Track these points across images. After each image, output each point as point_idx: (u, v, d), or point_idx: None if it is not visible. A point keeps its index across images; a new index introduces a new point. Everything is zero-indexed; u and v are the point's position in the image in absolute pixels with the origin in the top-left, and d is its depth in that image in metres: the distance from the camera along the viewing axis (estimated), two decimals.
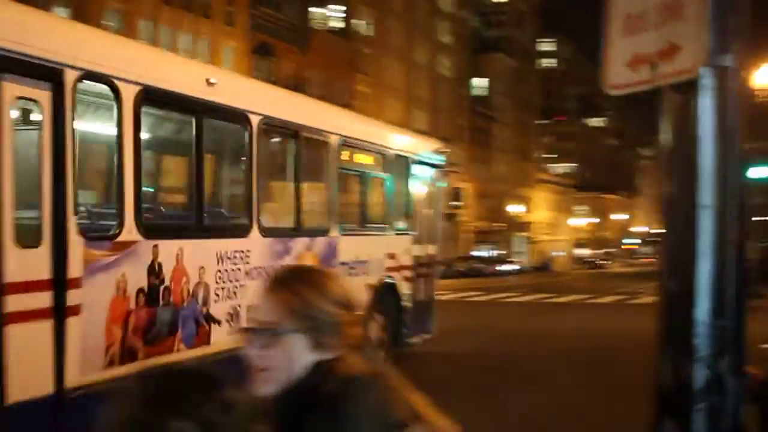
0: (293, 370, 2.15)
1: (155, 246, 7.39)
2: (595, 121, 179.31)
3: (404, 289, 12.88)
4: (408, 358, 12.03)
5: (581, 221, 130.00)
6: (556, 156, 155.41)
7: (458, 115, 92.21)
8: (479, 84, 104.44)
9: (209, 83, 8.30)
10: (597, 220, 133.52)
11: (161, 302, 7.47)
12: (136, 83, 7.25)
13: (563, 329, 19.02)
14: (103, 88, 7.05)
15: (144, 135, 7.56)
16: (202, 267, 8.03)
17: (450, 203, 18.92)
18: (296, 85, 60.10)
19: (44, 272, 6.22)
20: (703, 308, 2.70)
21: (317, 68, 63.80)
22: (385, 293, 12.09)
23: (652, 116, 3.06)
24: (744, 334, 2.64)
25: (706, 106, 2.73)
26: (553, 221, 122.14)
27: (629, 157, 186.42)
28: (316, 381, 2.12)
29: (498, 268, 73.60)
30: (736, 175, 2.75)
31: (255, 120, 8.92)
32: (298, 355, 2.17)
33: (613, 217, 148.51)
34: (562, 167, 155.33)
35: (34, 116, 6.52)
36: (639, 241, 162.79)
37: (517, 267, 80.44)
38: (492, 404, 9.76)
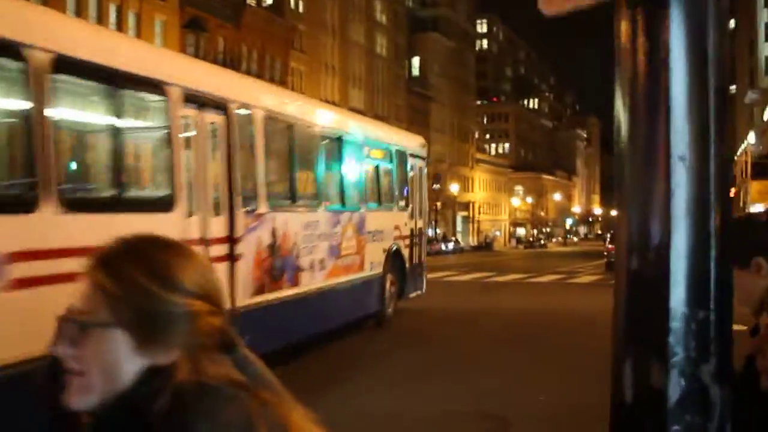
0: (114, 378, 1.48)
1: (274, 217, 10.81)
2: (532, 103, 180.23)
3: (405, 253, 16.41)
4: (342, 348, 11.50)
5: (520, 201, 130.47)
6: (493, 137, 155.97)
7: (395, 95, 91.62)
8: (416, 64, 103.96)
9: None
10: (533, 200, 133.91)
11: (277, 255, 10.83)
12: (263, 108, 10.95)
13: (504, 308, 18.55)
14: (248, 115, 10.50)
15: (265, 143, 10.89)
16: (296, 232, 11.54)
17: (432, 186, 22.32)
18: (230, 60, 58.85)
19: (223, 232, 9.52)
20: (678, 295, 1.95)
21: (251, 44, 62.52)
22: (394, 256, 15.62)
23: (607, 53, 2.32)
24: (730, 328, 1.91)
25: (675, 27, 2.00)
26: (492, 201, 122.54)
27: (566, 138, 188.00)
28: (144, 394, 1.46)
29: (439, 247, 73.32)
30: (720, 117, 2.02)
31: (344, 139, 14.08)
32: (119, 358, 1.49)
33: (554, 197, 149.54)
34: (499, 148, 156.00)
35: (217, 133, 9.70)
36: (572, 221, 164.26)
37: (458, 246, 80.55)
38: (434, 385, 9.16)
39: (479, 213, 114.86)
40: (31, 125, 6.54)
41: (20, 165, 6.84)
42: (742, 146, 74.21)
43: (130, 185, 8.15)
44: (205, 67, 11.82)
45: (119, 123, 7.74)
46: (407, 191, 17.13)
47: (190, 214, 8.76)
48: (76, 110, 7.88)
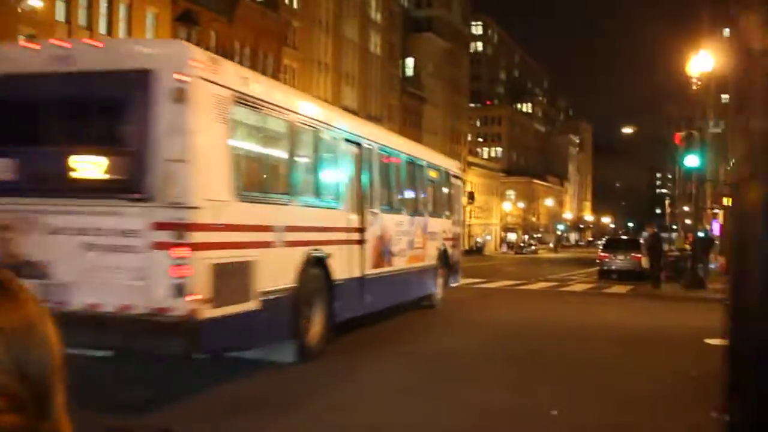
0: None
1: (382, 216, 14.59)
2: (525, 107, 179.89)
3: (450, 252, 20.24)
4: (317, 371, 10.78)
5: (511, 206, 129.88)
6: (485, 140, 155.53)
7: (389, 95, 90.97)
8: (410, 64, 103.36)
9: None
10: (525, 205, 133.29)
11: (383, 242, 14.68)
12: (378, 144, 15.01)
13: (495, 317, 17.81)
14: (369, 148, 14.35)
15: (378, 168, 14.81)
16: (391, 228, 15.26)
17: (469, 201, 29.04)
18: (222, 55, 58.06)
19: (357, 224, 13.26)
20: None
21: (244, 39, 61.73)
22: (443, 254, 19.49)
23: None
24: None
25: None
26: (483, 205, 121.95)
27: (559, 143, 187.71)
28: None
29: None
30: None
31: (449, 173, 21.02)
32: None
33: (546, 202, 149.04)
34: (492, 152, 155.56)
35: (358, 158, 13.72)
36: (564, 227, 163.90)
37: None
38: (425, 403, 8.41)
39: (470, 217, 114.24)
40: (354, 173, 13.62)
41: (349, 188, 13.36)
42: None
43: (325, 193, 12.27)
44: (352, 117, 16.88)
45: (325, 157, 12.48)
46: (450, 203, 21.20)
47: (346, 211, 12.96)
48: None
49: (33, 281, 8.01)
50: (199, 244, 8.22)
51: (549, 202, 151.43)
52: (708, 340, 13.46)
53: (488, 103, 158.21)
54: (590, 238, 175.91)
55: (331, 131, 12.59)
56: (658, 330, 15.37)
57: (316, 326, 11.17)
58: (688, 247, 40.94)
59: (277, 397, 8.64)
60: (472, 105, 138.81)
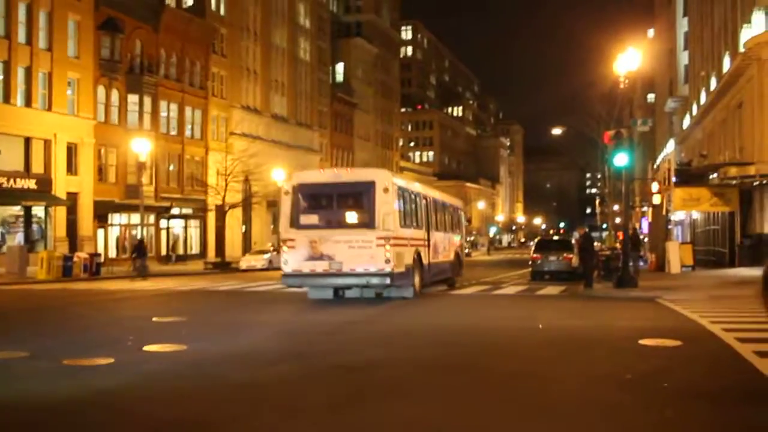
0: None
1: (434, 234, 27.63)
2: (455, 110, 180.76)
3: (460, 254, 33.04)
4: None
5: None
6: (417, 145, 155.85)
7: (319, 101, 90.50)
8: (340, 70, 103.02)
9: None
10: None
11: (435, 247, 27.41)
12: (429, 195, 28.46)
13: (424, 324, 17.51)
14: (428, 197, 28.08)
15: (432, 208, 28.19)
16: (437, 239, 27.84)
17: (467, 223, 44.53)
18: (147, 63, 56.99)
19: (427, 238, 26.48)
20: None
21: (170, 47, 60.71)
22: (456, 255, 32.03)
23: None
24: None
25: None
26: None
27: (490, 146, 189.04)
28: None
29: None
30: None
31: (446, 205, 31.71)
32: None
33: (478, 205, 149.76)
34: (424, 156, 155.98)
35: (427, 206, 27.44)
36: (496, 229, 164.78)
37: None
38: (352, 422, 8.04)
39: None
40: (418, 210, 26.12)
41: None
42: (663, 153, 75.00)
43: (418, 223, 25.78)
44: (426, 187, 30.95)
45: (419, 206, 26.13)
46: (459, 225, 34.25)
47: (427, 230, 26.54)
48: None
49: (327, 261, 21.86)
50: (392, 245, 21.85)
51: (481, 204, 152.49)
52: (642, 341, 13.36)
53: (419, 107, 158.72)
54: (522, 240, 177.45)
55: (420, 196, 26.70)
56: (592, 331, 15.25)
57: (417, 282, 24.44)
58: (618, 246, 41.37)
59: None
60: (403, 110, 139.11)
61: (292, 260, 22.42)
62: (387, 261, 21.52)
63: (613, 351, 12.61)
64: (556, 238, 53.22)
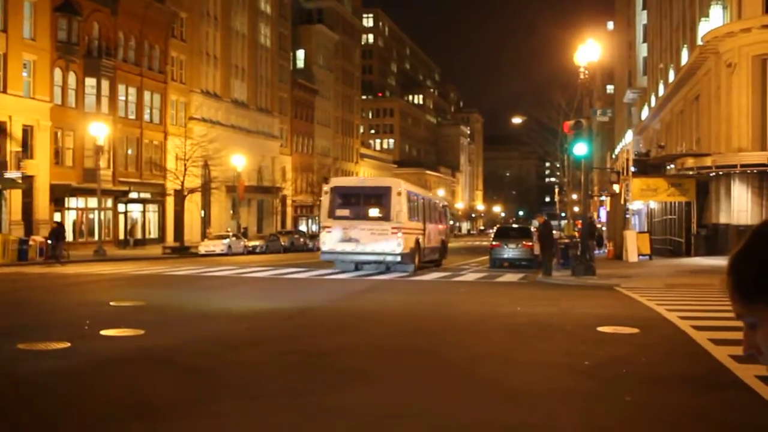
0: None
1: (429, 225, 36.21)
2: (416, 98, 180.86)
3: (445, 240, 41.34)
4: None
5: None
6: (378, 132, 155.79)
7: (279, 87, 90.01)
8: (301, 56, 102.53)
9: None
10: None
11: (428, 234, 35.73)
12: (425, 197, 38.20)
13: (384, 311, 17.52)
14: (426, 199, 38.10)
15: (428, 206, 37.82)
16: (431, 229, 36.56)
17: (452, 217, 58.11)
18: (105, 47, 56.24)
19: (423, 228, 34.90)
20: None
21: (128, 30, 59.95)
22: (442, 242, 40.23)
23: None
24: None
25: None
26: None
27: (450, 134, 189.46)
28: None
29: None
30: None
31: (425, 200, 37.38)
32: None
33: (438, 193, 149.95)
34: (384, 143, 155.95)
35: (422, 204, 36.18)
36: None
37: None
38: (311, 408, 8.00)
39: None
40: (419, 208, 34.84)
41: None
42: (621, 144, 75.67)
43: (417, 217, 34.24)
44: (422, 189, 45.60)
45: (419, 205, 35.10)
46: (445, 216, 42.90)
47: (424, 223, 35.06)
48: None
49: (354, 243, 30.82)
50: (402, 233, 30.70)
51: (441, 192, 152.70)
52: (600, 328, 13.49)
53: (380, 95, 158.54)
54: (482, 227, 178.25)
55: (420, 196, 35.54)
56: (551, 318, 15.36)
57: (417, 261, 32.37)
58: (576, 234, 41.73)
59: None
60: (364, 97, 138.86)
61: (329, 241, 31.36)
62: (398, 245, 30.57)
63: (573, 338, 12.71)
64: (515, 226, 53.52)
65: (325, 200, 32.23)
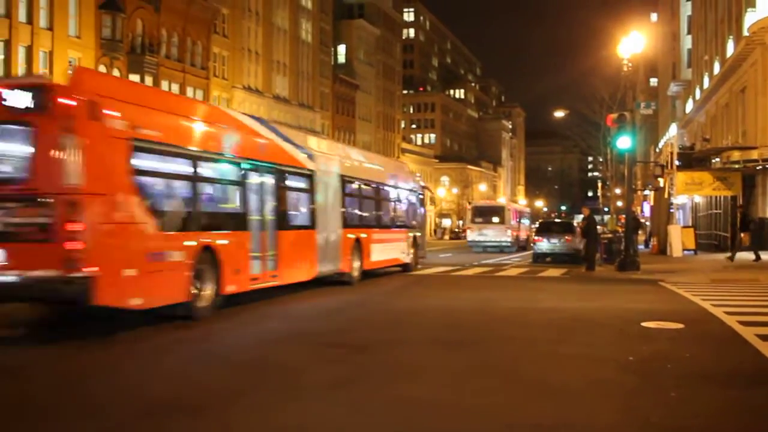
0: None
1: (519, 224, 57.40)
2: (457, 93, 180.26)
3: (528, 237, 55.24)
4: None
5: (445, 192, 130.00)
6: (419, 127, 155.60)
7: (321, 82, 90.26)
8: (342, 51, 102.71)
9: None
10: (459, 191, 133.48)
11: (520, 230, 56.92)
12: (518, 209, 62.48)
13: (431, 306, 17.50)
14: (517, 208, 58.96)
15: (520, 212, 58.78)
16: (521, 226, 58.93)
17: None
18: (149, 44, 56.80)
19: (517, 227, 54.53)
20: None
21: (172, 27, 60.50)
22: (526, 237, 57.20)
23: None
24: None
25: None
26: None
27: (492, 128, 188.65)
28: None
29: None
30: None
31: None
32: None
33: (480, 188, 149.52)
34: (425, 138, 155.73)
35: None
36: None
37: None
38: (355, 403, 8.02)
39: None
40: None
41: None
42: (665, 137, 74.82)
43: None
44: (514, 203, 79.76)
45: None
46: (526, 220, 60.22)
47: (518, 223, 57.82)
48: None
49: (484, 236, 52.46)
50: (511, 231, 53.20)
51: (483, 187, 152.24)
52: (644, 323, 13.36)
53: (421, 89, 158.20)
54: None
55: (518, 209, 62.72)
56: (594, 313, 15.23)
57: (517, 247, 53.34)
58: (620, 229, 41.35)
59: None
60: (405, 92, 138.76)
61: (472, 236, 53.30)
62: (509, 237, 51.63)
63: (616, 333, 12.60)
64: (557, 220, 53.63)
65: (468, 212, 57.46)
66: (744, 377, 9.11)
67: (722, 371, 9.49)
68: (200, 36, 64.62)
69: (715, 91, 49.96)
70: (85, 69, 16.27)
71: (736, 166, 38.14)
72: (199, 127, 15.01)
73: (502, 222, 51.93)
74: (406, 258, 28.34)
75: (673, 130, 68.78)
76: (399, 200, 28.63)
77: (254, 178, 16.88)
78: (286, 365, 9.78)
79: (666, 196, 44.15)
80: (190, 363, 10.17)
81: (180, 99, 24.50)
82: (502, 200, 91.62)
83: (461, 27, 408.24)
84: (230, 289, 15.16)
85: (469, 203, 65.97)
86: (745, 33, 38.67)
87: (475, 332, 12.98)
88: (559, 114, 74.94)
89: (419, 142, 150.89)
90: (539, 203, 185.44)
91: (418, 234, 30.19)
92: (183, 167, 14.24)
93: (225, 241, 15.15)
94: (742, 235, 32.29)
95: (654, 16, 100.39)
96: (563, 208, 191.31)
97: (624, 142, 27.54)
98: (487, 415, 7.40)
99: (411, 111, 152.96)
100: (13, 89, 11.65)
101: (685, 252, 38.88)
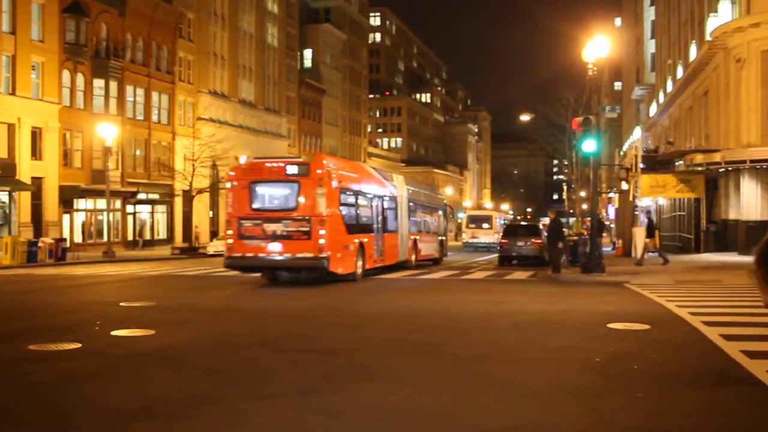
0: None
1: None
2: (424, 97, 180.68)
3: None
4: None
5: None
6: (385, 131, 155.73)
7: (287, 87, 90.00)
8: (308, 55, 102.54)
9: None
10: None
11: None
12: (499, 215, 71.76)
13: (394, 310, 17.50)
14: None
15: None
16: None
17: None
18: (113, 48, 56.36)
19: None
20: None
21: (136, 31, 60.05)
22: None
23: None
24: None
25: None
26: None
27: (458, 132, 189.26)
28: None
29: None
30: None
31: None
32: None
33: (446, 191, 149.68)
34: (392, 142, 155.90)
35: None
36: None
37: None
38: (320, 406, 8.00)
39: None
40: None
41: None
42: (629, 140, 75.48)
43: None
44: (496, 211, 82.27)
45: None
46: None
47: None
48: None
49: (477, 239, 63.64)
50: (497, 234, 54.06)
51: (449, 191, 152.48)
52: (610, 325, 13.46)
53: (387, 93, 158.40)
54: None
55: (499, 216, 73.93)
56: (561, 315, 15.32)
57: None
58: (585, 231, 41.68)
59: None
60: (371, 96, 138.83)
61: (466, 239, 63.68)
62: (497, 240, 48.07)
63: (583, 334, 12.68)
64: (523, 223, 53.66)
65: (464, 220, 68.54)
66: (710, 377, 9.20)
67: (688, 371, 9.58)
68: (165, 40, 64.20)
69: (679, 94, 50.51)
70: (323, 154, 28.11)
71: (700, 168, 38.58)
72: (358, 178, 27.85)
73: (490, 227, 61.33)
74: (437, 254, 39.02)
75: (637, 133, 69.39)
76: (434, 215, 39.87)
77: (375, 203, 29.00)
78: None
79: (630, 198, 44.55)
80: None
81: (353, 164, 34.83)
82: (488, 205, 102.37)
83: (427, 31, 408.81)
84: (367, 265, 27.04)
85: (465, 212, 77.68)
86: (708, 38, 39.14)
87: (442, 335, 12.99)
88: (525, 117, 75.36)
89: (386, 146, 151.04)
90: (505, 206, 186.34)
91: (443, 238, 41.23)
92: (353, 200, 26.50)
93: (366, 239, 27.10)
94: (647, 240, 33.26)
95: (618, 21, 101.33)
96: (529, 210, 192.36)
97: (589, 146, 27.74)
98: (454, 417, 7.41)
99: (377, 115, 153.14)
100: (291, 165, 23.90)
101: (650, 254, 39.24)
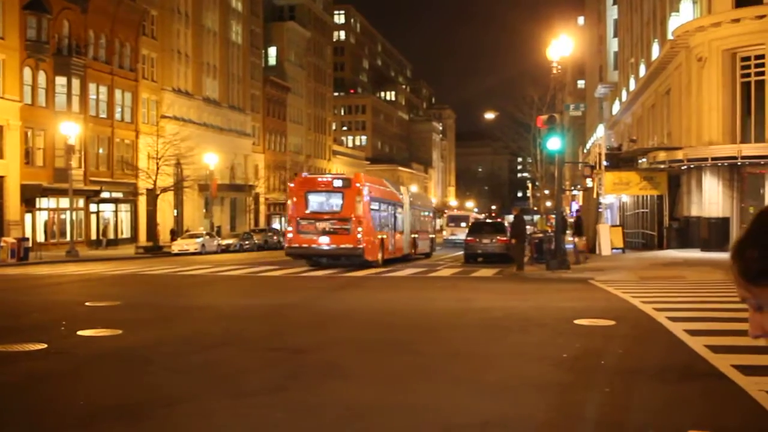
0: None
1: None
2: (388, 95, 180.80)
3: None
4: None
5: None
6: (350, 129, 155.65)
7: (251, 84, 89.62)
8: (273, 53, 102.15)
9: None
10: None
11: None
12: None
13: (361, 308, 17.53)
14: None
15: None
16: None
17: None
18: (76, 45, 55.77)
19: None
20: None
21: (99, 28, 59.47)
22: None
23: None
24: None
25: None
26: None
27: (422, 130, 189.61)
28: None
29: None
30: None
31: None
32: None
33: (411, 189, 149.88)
34: (356, 140, 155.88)
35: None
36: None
37: None
38: (293, 404, 8.00)
39: None
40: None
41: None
42: (593, 138, 76.10)
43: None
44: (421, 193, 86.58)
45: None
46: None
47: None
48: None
49: (456, 236, 64.96)
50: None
51: (414, 188, 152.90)
52: (577, 321, 13.59)
53: (352, 91, 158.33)
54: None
55: (465, 215, 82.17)
56: (527, 312, 15.44)
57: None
58: (550, 229, 41.96)
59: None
60: (336, 94, 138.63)
61: (447, 236, 70.13)
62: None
63: (549, 331, 12.79)
64: (489, 221, 53.82)
65: (445, 219, 77.35)
66: (675, 371, 9.33)
67: (654, 366, 9.71)
68: (128, 37, 63.64)
69: (641, 93, 51.03)
70: (360, 174, 36.06)
71: (662, 166, 39.02)
72: (381, 191, 36.26)
73: (467, 226, 65.89)
74: (429, 249, 46.70)
75: (600, 131, 69.97)
76: (427, 217, 48.83)
77: (389, 208, 36.87)
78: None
79: (594, 195, 44.93)
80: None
81: (379, 180, 39.84)
82: (453, 203, 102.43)
83: (391, 29, 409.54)
84: (386, 256, 34.59)
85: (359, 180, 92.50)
86: (670, 37, 39.58)
87: (411, 333, 13.05)
88: (490, 116, 75.72)
89: (350, 144, 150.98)
90: (470, 204, 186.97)
91: (433, 236, 49.89)
92: (377, 206, 34.51)
93: (385, 236, 34.73)
94: (576, 239, 34.90)
95: (581, 20, 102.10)
96: (493, 208, 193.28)
97: (554, 143, 27.96)
98: (424, 414, 7.45)
99: (342, 113, 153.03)
100: (336, 179, 33.06)
101: (614, 250, 39.62)
